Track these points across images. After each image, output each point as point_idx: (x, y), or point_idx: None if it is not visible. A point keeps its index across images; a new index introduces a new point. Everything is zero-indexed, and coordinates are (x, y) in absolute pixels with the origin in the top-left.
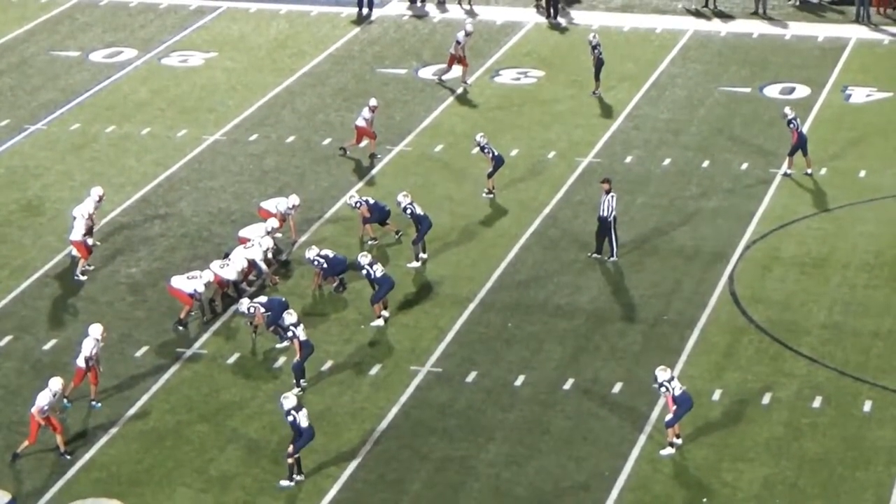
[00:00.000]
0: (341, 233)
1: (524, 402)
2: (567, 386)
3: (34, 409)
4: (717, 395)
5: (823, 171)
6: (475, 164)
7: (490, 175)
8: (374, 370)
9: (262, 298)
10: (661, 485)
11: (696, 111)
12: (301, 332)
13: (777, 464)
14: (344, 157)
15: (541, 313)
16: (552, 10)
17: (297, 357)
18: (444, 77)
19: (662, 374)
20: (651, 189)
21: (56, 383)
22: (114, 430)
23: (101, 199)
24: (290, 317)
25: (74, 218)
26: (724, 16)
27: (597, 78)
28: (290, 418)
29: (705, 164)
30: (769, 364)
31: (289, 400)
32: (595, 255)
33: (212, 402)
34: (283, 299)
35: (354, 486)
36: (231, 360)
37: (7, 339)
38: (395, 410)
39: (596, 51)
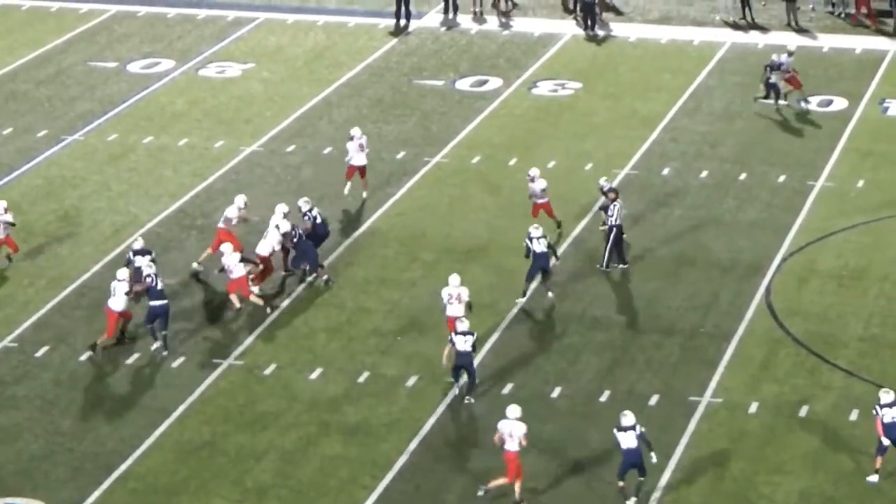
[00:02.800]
0: (379, 244)
1: (561, 414)
2: (604, 398)
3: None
4: (753, 408)
5: (861, 183)
6: (511, 175)
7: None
8: (411, 382)
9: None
10: (699, 497)
11: (733, 123)
12: None
13: (814, 477)
14: (382, 168)
15: (577, 325)
16: (590, 22)
17: None
18: (806, 100)
19: (885, 396)
20: (688, 201)
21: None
22: (150, 441)
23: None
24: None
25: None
26: (761, 28)
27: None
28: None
29: (742, 176)
30: (806, 377)
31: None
32: (618, 266)
33: (248, 412)
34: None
35: (390, 498)
36: (268, 370)
37: (44, 349)
38: (431, 422)
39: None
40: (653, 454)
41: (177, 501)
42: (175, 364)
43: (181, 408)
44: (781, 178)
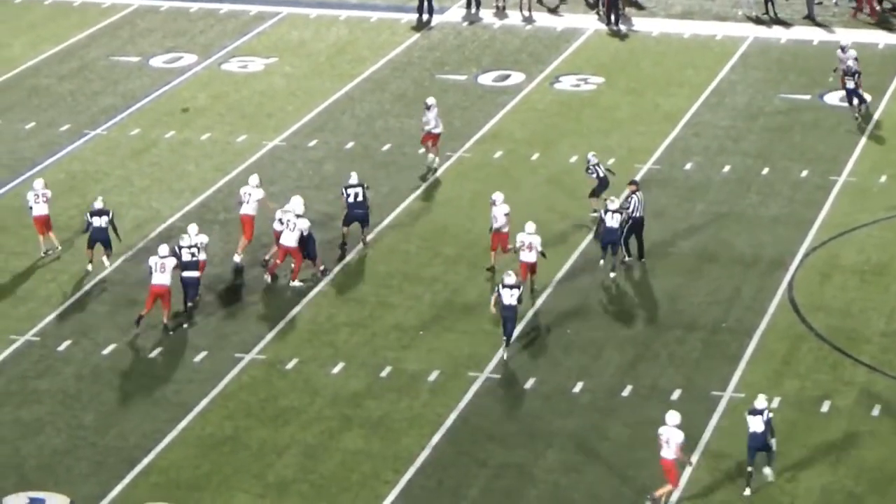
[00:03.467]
0: (401, 239)
1: (583, 409)
2: (626, 393)
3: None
4: (775, 403)
5: (884, 178)
6: (534, 170)
7: (592, 195)
8: (433, 376)
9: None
10: (721, 492)
11: (755, 118)
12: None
13: (835, 472)
14: (404, 163)
15: (600, 319)
16: (613, 17)
17: None
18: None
19: None
20: (710, 196)
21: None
22: (172, 435)
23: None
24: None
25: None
26: (784, 23)
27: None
28: None
29: (765, 171)
30: (828, 372)
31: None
32: (627, 258)
33: (270, 407)
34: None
35: (412, 493)
36: (289, 365)
37: (66, 343)
38: (453, 417)
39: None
40: (773, 441)
41: (199, 496)
42: (197, 358)
43: (203, 402)
44: (804, 173)
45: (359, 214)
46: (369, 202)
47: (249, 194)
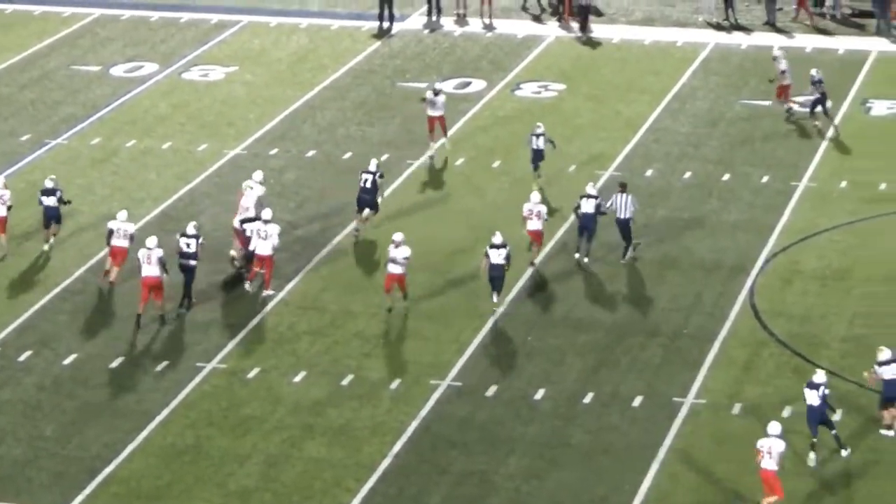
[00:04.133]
0: (362, 246)
1: (544, 416)
2: (587, 399)
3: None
4: (737, 409)
5: (844, 183)
6: (496, 177)
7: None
8: (395, 384)
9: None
10: (682, 498)
11: (716, 124)
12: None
13: (798, 477)
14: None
15: (561, 326)
16: (583, 24)
17: None
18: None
19: (882, 354)
20: (671, 202)
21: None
22: (134, 445)
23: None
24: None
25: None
26: (745, 29)
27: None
28: None
29: (726, 177)
30: (790, 377)
31: None
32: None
33: (231, 416)
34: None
35: (374, 501)
36: (251, 374)
37: (27, 353)
38: (415, 424)
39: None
40: (836, 415)
41: None
42: (159, 368)
43: (165, 412)
44: (765, 179)
45: (365, 200)
46: (380, 190)
47: (251, 188)
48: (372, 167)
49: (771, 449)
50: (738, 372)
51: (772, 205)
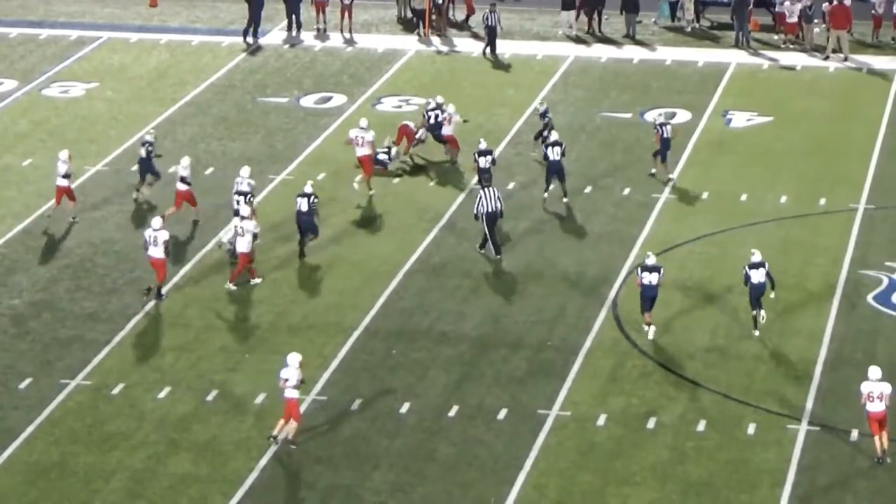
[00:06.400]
0: (225, 261)
1: (409, 430)
2: (452, 413)
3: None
4: (601, 420)
5: (705, 195)
6: (357, 192)
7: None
8: (260, 399)
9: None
10: None
11: (577, 137)
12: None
13: (662, 488)
14: (228, 185)
15: (425, 340)
16: (490, 47)
17: None
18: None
19: (753, 257)
20: (534, 215)
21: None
22: None
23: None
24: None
25: None
26: (605, 41)
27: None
28: None
29: (587, 189)
30: (653, 388)
31: None
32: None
33: (96, 433)
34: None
35: None
36: (115, 390)
37: None
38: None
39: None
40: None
41: None
42: (22, 385)
43: (29, 429)
44: (626, 191)
45: (306, 222)
46: (316, 211)
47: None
48: (308, 189)
49: (881, 392)
50: (602, 383)
51: (634, 217)
